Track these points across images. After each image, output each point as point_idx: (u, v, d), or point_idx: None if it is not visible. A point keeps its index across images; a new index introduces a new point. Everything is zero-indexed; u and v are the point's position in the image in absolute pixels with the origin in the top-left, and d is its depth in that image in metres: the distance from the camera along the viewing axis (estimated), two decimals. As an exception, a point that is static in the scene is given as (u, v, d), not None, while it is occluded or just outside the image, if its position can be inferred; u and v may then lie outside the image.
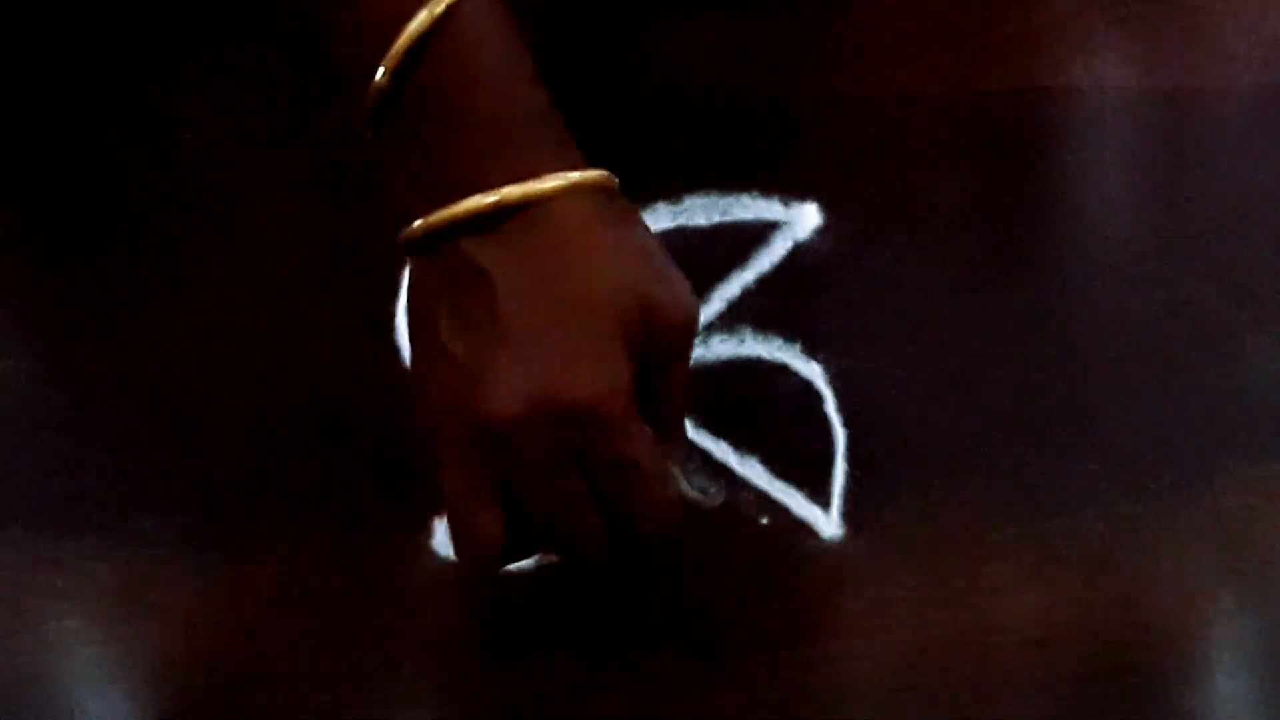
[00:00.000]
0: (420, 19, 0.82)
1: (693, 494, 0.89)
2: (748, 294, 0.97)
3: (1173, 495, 0.98)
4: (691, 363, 0.97)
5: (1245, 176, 0.98)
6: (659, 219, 0.96)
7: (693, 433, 0.97)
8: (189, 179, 0.96)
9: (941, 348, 0.98)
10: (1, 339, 0.97)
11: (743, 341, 0.97)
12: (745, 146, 0.96)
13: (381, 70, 0.82)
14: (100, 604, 0.97)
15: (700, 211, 0.96)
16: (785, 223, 0.97)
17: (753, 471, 0.97)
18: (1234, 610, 0.99)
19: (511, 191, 0.82)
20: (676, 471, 0.87)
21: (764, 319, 0.97)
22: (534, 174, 0.83)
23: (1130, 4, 0.96)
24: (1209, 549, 0.99)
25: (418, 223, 0.83)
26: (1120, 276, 0.98)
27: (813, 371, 0.97)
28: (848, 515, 0.98)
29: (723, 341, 0.97)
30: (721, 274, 0.97)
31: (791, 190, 0.96)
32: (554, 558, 0.95)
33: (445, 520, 0.96)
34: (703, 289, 0.97)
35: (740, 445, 0.97)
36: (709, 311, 0.97)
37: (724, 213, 0.97)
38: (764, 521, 0.97)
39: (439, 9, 0.82)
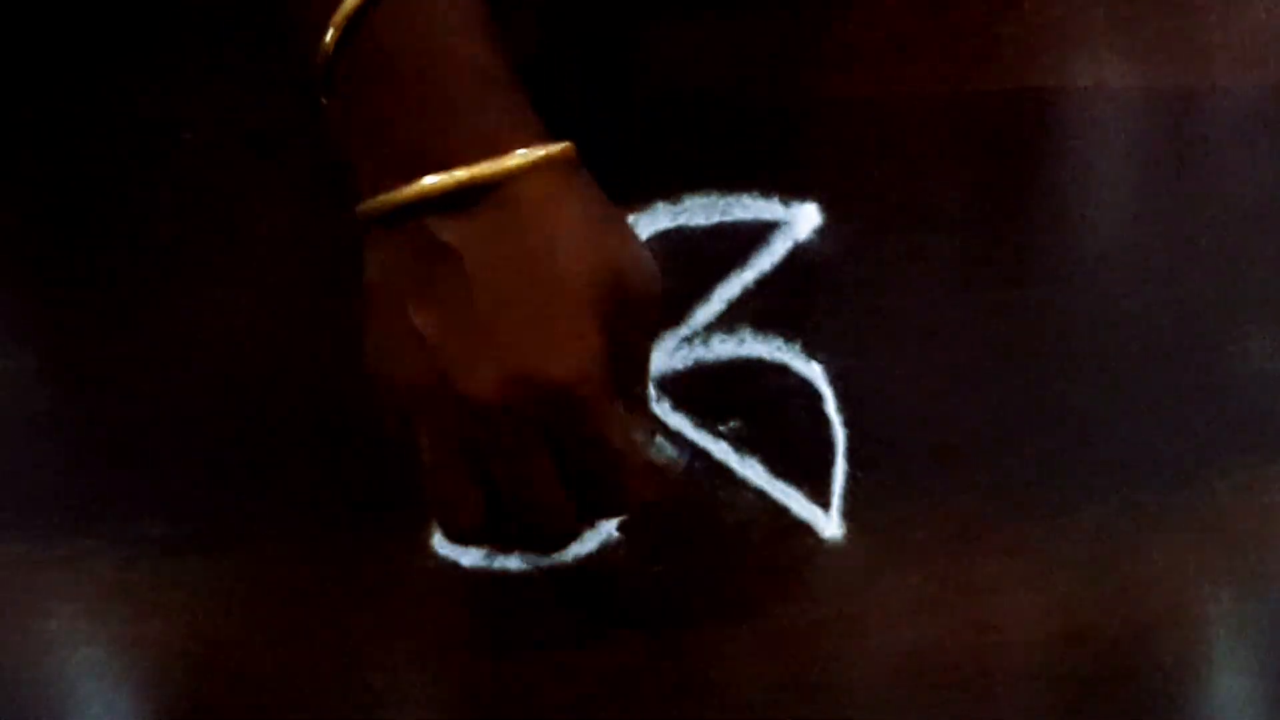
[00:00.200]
0: None
1: (660, 461, 0.89)
2: (748, 294, 0.97)
3: (1173, 495, 0.98)
4: (691, 363, 0.97)
5: (1245, 176, 0.98)
6: (659, 219, 0.96)
7: (693, 433, 0.97)
8: (189, 179, 0.96)
9: (941, 348, 0.98)
10: (1, 339, 0.97)
11: (743, 341, 0.97)
12: (745, 146, 0.96)
13: (331, 31, 0.81)
14: (100, 604, 0.97)
15: (700, 211, 0.96)
16: (785, 223, 0.97)
17: (753, 471, 0.97)
18: (1234, 610, 0.99)
19: (480, 170, 0.81)
20: (645, 439, 0.87)
21: (764, 319, 0.97)
22: (495, 146, 0.82)
23: (1130, 4, 0.96)
24: (1209, 549, 0.99)
25: (380, 198, 0.82)
26: (1120, 276, 0.98)
27: (813, 371, 0.97)
28: (848, 515, 0.98)
29: (723, 341, 0.97)
30: (721, 274, 0.97)
31: (791, 190, 0.96)
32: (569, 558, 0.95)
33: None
34: (703, 289, 0.97)
35: (740, 445, 0.97)
36: (709, 311, 0.97)
37: (724, 213, 0.97)
38: (764, 521, 0.97)
39: None
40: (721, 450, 0.97)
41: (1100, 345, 0.98)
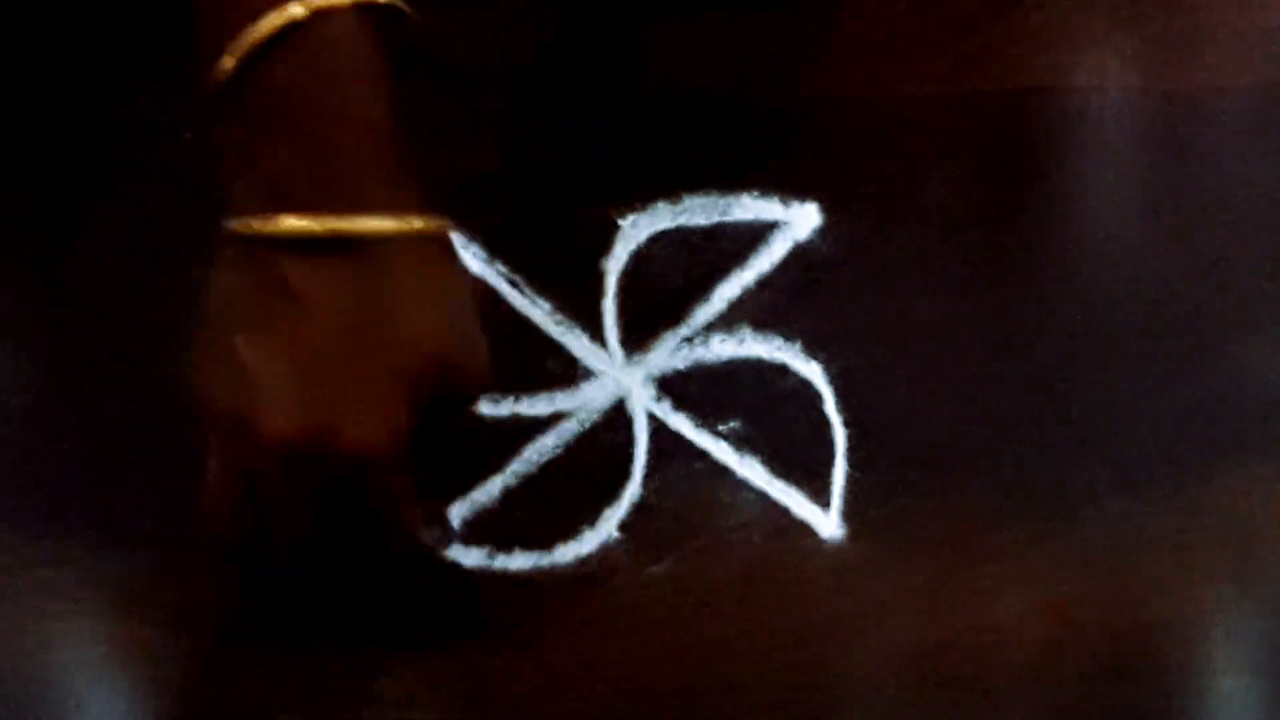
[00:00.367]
0: (276, 16, 0.80)
1: (426, 539, 0.90)
2: (748, 294, 0.97)
3: (1173, 495, 0.98)
4: (691, 363, 0.97)
5: (1245, 176, 0.98)
6: (659, 219, 0.96)
7: (693, 433, 0.97)
8: (189, 179, 0.96)
9: (941, 348, 0.98)
10: (1, 339, 0.97)
11: (743, 341, 0.97)
12: (745, 146, 0.96)
13: (229, 58, 0.81)
14: (100, 604, 0.97)
15: (700, 211, 0.96)
16: (785, 223, 0.97)
17: (753, 471, 0.97)
18: (1234, 610, 0.99)
19: (339, 225, 0.81)
20: (429, 522, 0.89)
21: (764, 319, 0.97)
22: (363, 203, 0.82)
23: (1130, 4, 0.96)
24: (1209, 549, 0.99)
25: (242, 222, 0.82)
26: (1120, 276, 0.98)
27: (813, 371, 0.97)
28: (848, 515, 0.98)
29: (723, 341, 0.97)
30: (721, 274, 0.97)
31: (791, 190, 0.96)
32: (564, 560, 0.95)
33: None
34: (703, 289, 0.97)
35: (740, 445, 0.97)
36: (709, 311, 0.97)
37: (724, 213, 0.97)
38: (764, 521, 0.97)
39: (298, 11, 0.80)
40: (721, 450, 0.97)
41: (1100, 345, 0.98)
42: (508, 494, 0.97)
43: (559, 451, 0.97)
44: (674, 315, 0.97)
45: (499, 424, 0.97)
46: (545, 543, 0.97)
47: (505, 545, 0.97)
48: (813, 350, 0.97)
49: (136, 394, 0.96)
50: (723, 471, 0.97)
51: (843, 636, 0.98)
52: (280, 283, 0.82)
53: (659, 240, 0.96)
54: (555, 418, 0.97)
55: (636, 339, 0.97)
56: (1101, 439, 0.98)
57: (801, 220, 0.97)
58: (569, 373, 0.97)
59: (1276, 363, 0.98)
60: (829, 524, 0.98)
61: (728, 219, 0.97)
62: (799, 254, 0.97)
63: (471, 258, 0.96)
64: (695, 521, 0.98)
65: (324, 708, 0.95)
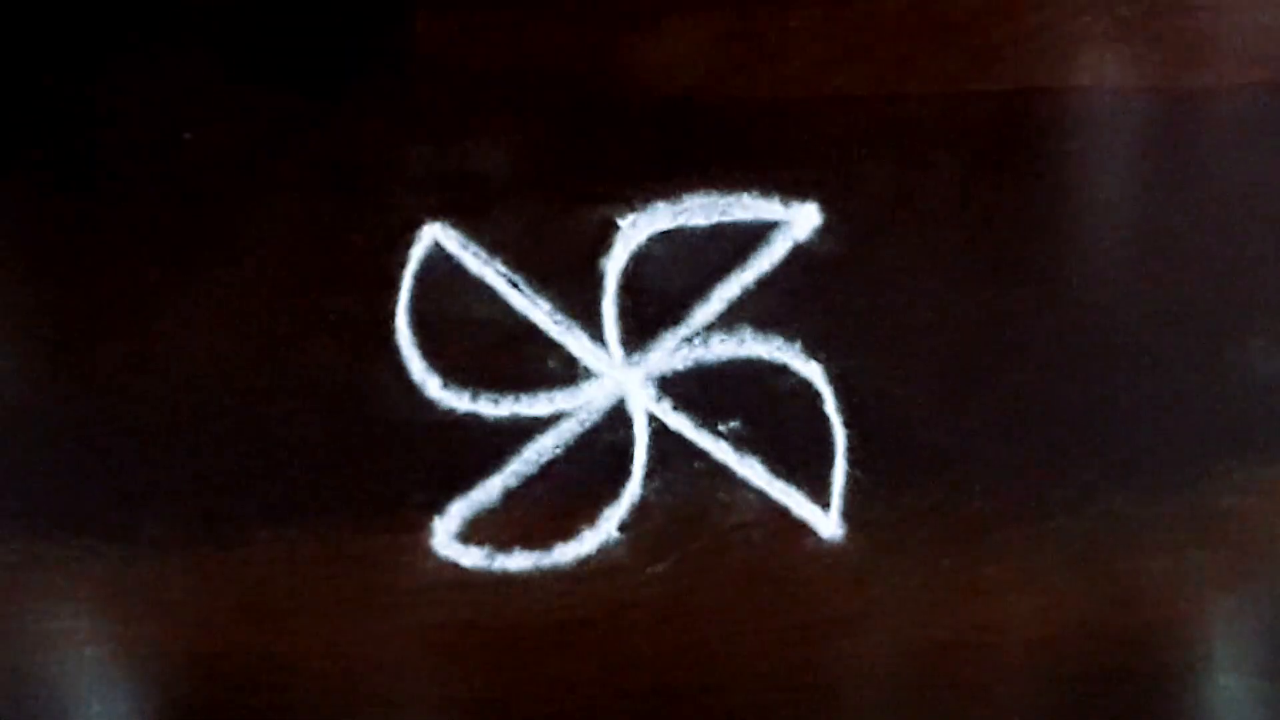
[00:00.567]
0: None
1: None
2: (748, 294, 0.97)
3: (1173, 495, 0.98)
4: (691, 363, 0.97)
5: (1245, 176, 0.98)
6: (659, 219, 0.96)
7: (693, 433, 0.97)
8: (189, 179, 0.96)
9: (941, 348, 0.98)
10: (1, 339, 0.97)
11: (743, 341, 0.97)
12: (745, 146, 0.96)
13: None
14: (100, 604, 0.97)
15: (700, 211, 0.96)
16: (785, 223, 0.97)
17: (753, 471, 0.97)
18: (1234, 610, 0.99)
19: None
20: None
21: (764, 319, 0.97)
22: None
23: (1130, 4, 0.96)
24: (1209, 549, 0.99)
25: None
26: (1119, 276, 0.98)
27: (813, 371, 0.97)
28: (848, 515, 0.98)
29: (723, 341, 0.97)
30: (721, 274, 0.97)
31: (791, 190, 0.96)
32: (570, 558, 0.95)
33: (444, 521, 0.96)
34: (703, 289, 0.97)
35: (740, 445, 0.97)
36: (709, 311, 0.97)
37: (724, 213, 0.97)
38: (764, 521, 0.97)
39: None
40: (721, 450, 0.97)
41: (1100, 345, 0.98)
42: (508, 494, 0.97)
43: (559, 451, 0.97)
44: (674, 315, 0.97)
45: (499, 424, 0.97)
46: (545, 543, 0.97)
47: (505, 545, 0.97)
48: (813, 350, 0.97)
49: (137, 394, 0.96)
50: (723, 471, 0.97)
51: (843, 636, 0.98)
52: None
53: (659, 240, 0.96)
54: (555, 418, 0.97)
55: (636, 339, 0.97)
56: (1101, 439, 0.98)
57: (801, 220, 0.97)
58: (569, 373, 0.97)
59: (1276, 363, 0.98)
60: (829, 524, 0.98)
61: (728, 219, 0.97)
62: (799, 254, 0.97)
63: (472, 257, 0.96)
64: (695, 521, 0.98)
65: (325, 708, 0.96)
